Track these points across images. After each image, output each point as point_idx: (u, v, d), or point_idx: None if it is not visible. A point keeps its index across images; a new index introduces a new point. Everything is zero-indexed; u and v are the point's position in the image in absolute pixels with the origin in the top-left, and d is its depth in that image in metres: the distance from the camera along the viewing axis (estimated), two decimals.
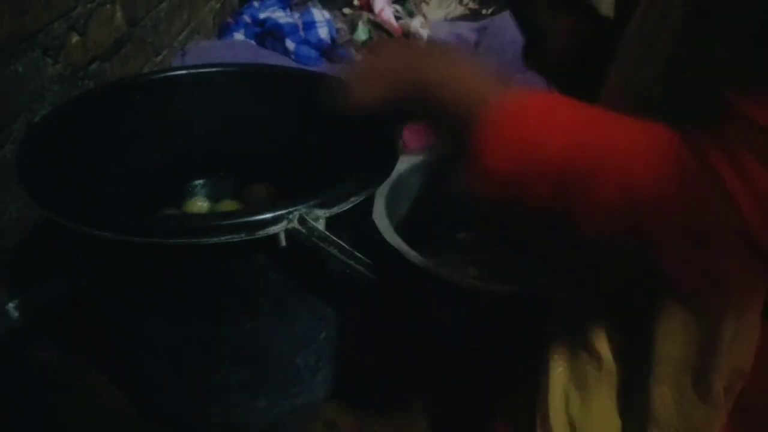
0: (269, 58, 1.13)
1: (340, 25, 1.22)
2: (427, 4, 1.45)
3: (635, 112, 0.30)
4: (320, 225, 0.41)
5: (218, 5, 1.28)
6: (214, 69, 0.66)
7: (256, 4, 1.29)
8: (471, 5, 1.49)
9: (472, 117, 0.33)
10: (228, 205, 0.67)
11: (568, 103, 0.32)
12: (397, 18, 1.27)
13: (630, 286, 0.37)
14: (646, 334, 0.35)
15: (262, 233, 0.40)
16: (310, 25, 1.18)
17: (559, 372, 0.39)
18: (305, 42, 1.16)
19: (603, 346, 0.38)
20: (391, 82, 0.38)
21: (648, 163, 0.29)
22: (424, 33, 1.23)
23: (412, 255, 0.56)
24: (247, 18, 1.23)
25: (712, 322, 0.33)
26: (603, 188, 0.29)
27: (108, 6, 0.81)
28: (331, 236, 0.41)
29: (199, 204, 0.67)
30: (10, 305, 0.61)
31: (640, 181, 0.28)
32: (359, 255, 0.42)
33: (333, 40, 1.18)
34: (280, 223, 0.40)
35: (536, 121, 0.31)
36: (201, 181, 0.69)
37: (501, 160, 0.31)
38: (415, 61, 0.38)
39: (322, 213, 0.41)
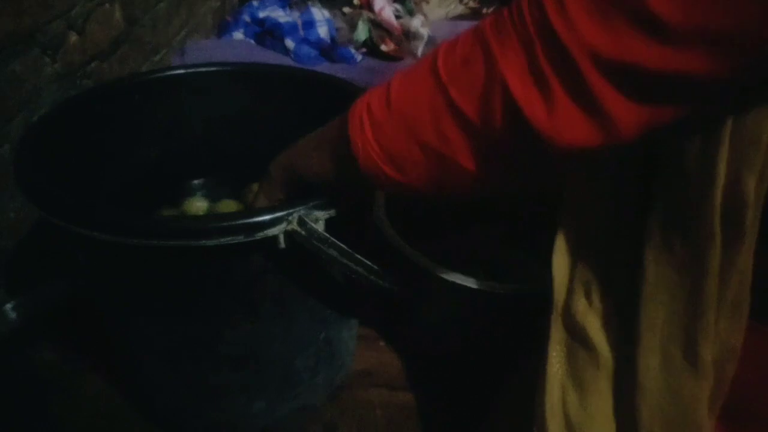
0: (269, 57, 1.13)
1: (339, 24, 1.21)
2: (428, 3, 1.44)
3: None
4: (320, 226, 0.41)
5: (217, 4, 1.28)
6: (213, 68, 0.65)
7: (255, 3, 1.29)
8: (471, 4, 1.48)
9: (342, 148, 0.37)
10: (227, 205, 0.67)
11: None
12: (397, 17, 1.27)
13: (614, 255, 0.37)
14: (632, 304, 0.35)
15: (261, 235, 0.40)
16: (309, 24, 1.17)
17: (555, 370, 0.38)
18: (305, 41, 1.16)
19: (599, 337, 0.37)
20: (272, 186, 0.45)
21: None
22: (425, 32, 1.22)
23: (413, 254, 0.56)
24: (246, 17, 1.23)
25: (694, 282, 0.32)
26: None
27: (107, 5, 0.80)
28: (331, 238, 0.40)
29: (198, 204, 0.67)
30: (8, 306, 0.61)
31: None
32: (359, 256, 0.42)
33: (333, 39, 1.18)
34: (279, 224, 0.40)
35: (380, 102, 0.36)
36: (200, 181, 0.69)
37: (381, 146, 0.36)
38: (273, 167, 0.45)
39: (322, 214, 0.41)
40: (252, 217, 0.40)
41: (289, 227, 0.40)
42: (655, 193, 0.34)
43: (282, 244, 0.41)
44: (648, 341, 0.34)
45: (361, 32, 1.20)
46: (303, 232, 0.40)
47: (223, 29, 1.24)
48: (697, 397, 0.34)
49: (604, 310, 0.37)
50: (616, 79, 0.28)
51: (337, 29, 1.20)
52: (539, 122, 0.29)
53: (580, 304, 0.38)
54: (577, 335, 0.38)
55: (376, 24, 1.21)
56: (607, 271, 0.37)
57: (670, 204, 0.33)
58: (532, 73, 0.29)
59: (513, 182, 0.35)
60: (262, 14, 1.22)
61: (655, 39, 0.26)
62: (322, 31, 1.17)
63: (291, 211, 0.40)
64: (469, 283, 0.54)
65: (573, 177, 0.39)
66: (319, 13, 1.21)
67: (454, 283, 0.54)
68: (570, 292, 0.38)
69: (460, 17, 1.45)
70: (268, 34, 1.19)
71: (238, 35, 1.20)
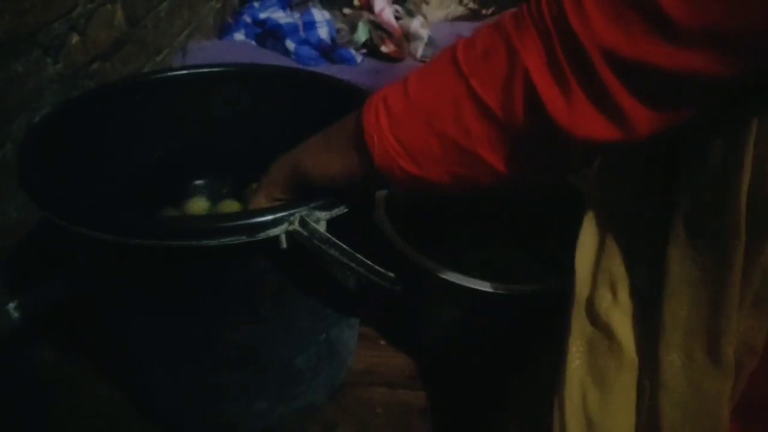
0: (269, 58, 1.13)
1: (340, 25, 1.22)
2: (428, 4, 1.45)
3: None
4: (321, 227, 0.41)
5: (219, 5, 1.28)
6: (214, 69, 0.65)
7: (256, 4, 1.29)
8: (471, 5, 1.49)
9: (355, 151, 0.37)
10: (228, 205, 0.67)
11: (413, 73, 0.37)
12: (397, 18, 1.27)
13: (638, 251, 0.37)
14: (656, 300, 0.35)
15: (262, 235, 0.40)
16: (310, 26, 1.17)
17: (576, 366, 0.38)
18: (305, 42, 1.16)
19: (624, 332, 0.37)
20: (272, 186, 0.45)
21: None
22: (424, 33, 1.23)
23: (413, 255, 0.56)
24: (247, 18, 1.23)
25: (717, 279, 0.32)
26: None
27: (108, 6, 0.81)
28: (332, 238, 0.41)
29: (200, 204, 0.67)
30: (10, 305, 0.61)
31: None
32: (360, 257, 0.42)
33: (333, 40, 1.18)
34: (280, 225, 0.40)
35: (396, 101, 0.36)
36: (201, 181, 0.69)
37: (399, 141, 0.35)
38: (277, 166, 0.45)
39: (323, 215, 0.41)
40: (254, 217, 0.40)
41: (291, 227, 0.40)
42: (680, 190, 0.34)
43: (284, 245, 0.41)
44: (670, 338, 0.34)
45: (362, 33, 1.20)
46: (305, 233, 0.40)
47: (224, 30, 1.24)
48: (719, 394, 0.33)
49: (629, 305, 0.37)
50: (629, 78, 0.28)
51: (337, 30, 1.20)
52: (559, 115, 0.30)
53: (605, 300, 0.38)
54: (600, 330, 0.38)
55: (376, 25, 1.21)
56: (632, 267, 0.37)
57: (695, 201, 0.33)
58: (551, 67, 0.30)
59: (533, 176, 0.35)
60: (262, 15, 1.22)
61: (668, 39, 0.27)
62: (323, 32, 1.17)
63: (293, 211, 0.41)
64: (470, 283, 0.54)
65: (598, 173, 0.39)
66: (320, 14, 1.21)
67: (454, 284, 0.54)
68: (594, 287, 0.38)
69: (460, 18, 1.45)
70: (268, 35, 1.19)
71: (239, 36, 1.20)
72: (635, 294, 0.37)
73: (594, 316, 0.38)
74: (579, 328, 0.38)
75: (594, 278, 0.38)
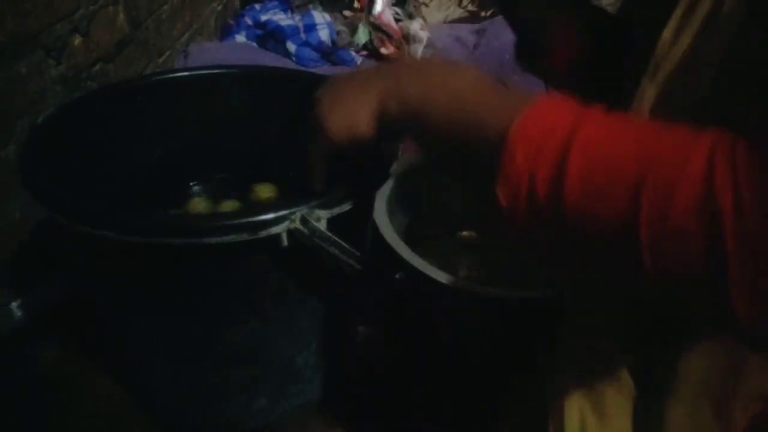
0: (270, 59, 1.13)
1: (340, 27, 1.22)
2: (427, 6, 1.45)
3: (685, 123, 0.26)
4: (322, 225, 0.41)
5: (220, 7, 1.28)
6: (215, 71, 0.66)
7: (257, 6, 1.30)
8: (470, 8, 1.50)
9: (499, 133, 0.28)
10: (230, 205, 0.67)
11: (607, 111, 0.28)
12: (397, 20, 1.28)
13: (662, 307, 0.34)
14: (668, 352, 0.34)
15: (264, 233, 0.40)
16: (310, 28, 1.18)
17: (574, 394, 0.37)
18: (306, 44, 1.17)
19: (622, 365, 0.37)
20: (374, 107, 0.34)
21: (718, 167, 0.24)
22: (424, 35, 1.23)
23: (412, 256, 0.57)
24: (248, 20, 1.24)
25: (739, 350, 0.32)
26: (680, 196, 0.24)
27: (111, 8, 0.81)
28: (333, 236, 0.41)
29: (201, 205, 0.68)
30: (13, 304, 0.61)
31: (718, 189, 0.24)
32: (360, 256, 0.42)
33: (333, 42, 1.19)
34: (282, 223, 0.41)
35: (597, 127, 0.27)
36: (202, 182, 0.70)
37: (558, 179, 0.26)
38: (398, 76, 0.34)
39: (324, 213, 0.42)
40: (255, 215, 0.40)
41: (292, 225, 0.41)
42: None
43: (284, 243, 0.41)
44: (679, 392, 0.34)
45: (362, 35, 1.21)
46: (305, 231, 0.41)
47: (225, 32, 1.25)
48: None
49: (626, 333, 0.37)
50: None
51: (337, 32, 1.20)
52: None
53: (599, 326, 0.37)
54: (595, 357, 0.37)
55: (376, 27, 1.22)
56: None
57: None
58: None
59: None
60: (263, 17, 1.22)
61: None
62: (323, 34, 1.18)
63: (294, 210, 0.41)
64: (470, 285, 0.54)
65: None
66: (320, 17, 1.22)
67: (453, 285, 0.54)
68: (587, 310, 0.38)
69: (459, 21, 1.46)
70: (269, 37, 1.19)
71: (241, 38, 1.21)
72: (633, 324, 0.37)
73: (590, 344, 0.38)
74: (577, 354, 0.38)
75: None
